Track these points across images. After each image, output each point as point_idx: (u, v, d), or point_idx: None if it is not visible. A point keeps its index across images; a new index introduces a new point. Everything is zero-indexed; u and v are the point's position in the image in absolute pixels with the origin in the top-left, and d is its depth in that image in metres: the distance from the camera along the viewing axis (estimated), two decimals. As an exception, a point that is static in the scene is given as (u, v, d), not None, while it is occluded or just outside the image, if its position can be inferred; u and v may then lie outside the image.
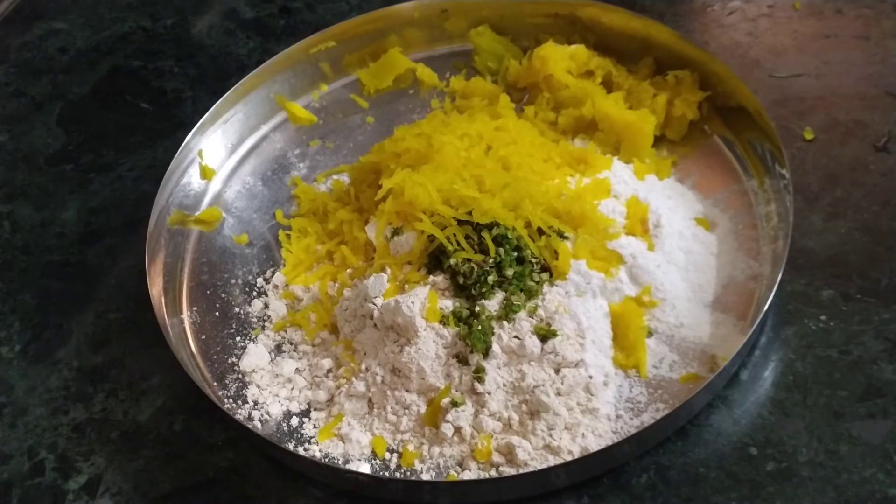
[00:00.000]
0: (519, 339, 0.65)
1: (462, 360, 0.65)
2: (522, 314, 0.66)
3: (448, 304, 0.67)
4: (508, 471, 0.62)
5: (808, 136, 0.76)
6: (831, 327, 0.66)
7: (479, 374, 0.64)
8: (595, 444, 0.62)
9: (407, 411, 0.65)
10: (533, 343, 0.65)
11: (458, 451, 0.63)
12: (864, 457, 0.60)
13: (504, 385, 0.64)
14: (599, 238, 0.70)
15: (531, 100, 0.82)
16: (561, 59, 0.81)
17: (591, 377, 0.64)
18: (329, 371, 0.69)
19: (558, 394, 0.64)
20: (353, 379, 0.67)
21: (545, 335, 0.65)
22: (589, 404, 0.64)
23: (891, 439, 0.61)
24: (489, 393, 0.64)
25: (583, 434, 0.63)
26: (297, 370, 0.69)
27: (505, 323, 0.65)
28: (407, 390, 0.65)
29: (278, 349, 0.71)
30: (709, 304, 0.68)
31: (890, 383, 0.63)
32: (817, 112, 0.78)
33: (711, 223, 0.72)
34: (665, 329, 0.67)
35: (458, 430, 0.63)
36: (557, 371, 0.65)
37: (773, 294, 0.64)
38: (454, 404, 0.64)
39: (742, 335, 0.64)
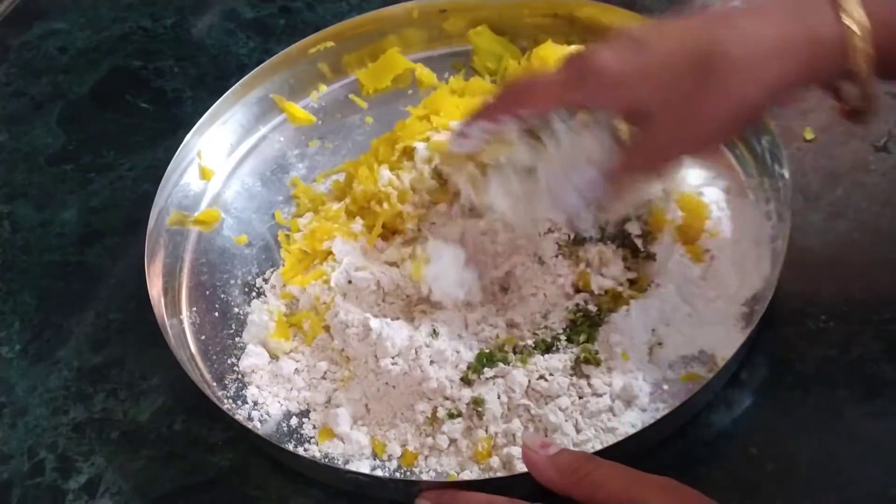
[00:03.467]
0: (546, 380, 0.63)
1: (466, 382, 0.64)
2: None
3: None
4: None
5: (808, 136, 0.76)
6: (831, 327, 0.66)
7: (478, 406, 0.63)
8: (595, 445, 0.62)
9: (403, 419, 0.65)
10: (561, 382, 0.63)
11: (455, 461, 0.63)
12: (864, 457, 0.60)
13: (512, 409, 0.63)
14: None
15: (530, 99, 0.82)
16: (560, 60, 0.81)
17: (613, 402, 0.63)
18: (326, 373, 0.69)
19: (576, 423, 0.62)
20: (350, 383, 0.67)
21: (587, 360, 0.64)
22: (608, 424, 0.62)
23: (891, 439, 0.61)
24: (494, 416, 0.63)
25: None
26: (297, 371, 0.69)
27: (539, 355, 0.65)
28: (402, 401, 0.65)
29: (271, 356, 0.70)
30: (709, 303, 0.68)
31: (890, 383, 0.63)
32: (817, 112, 0.77)
33: (711, 223, 0.72)
34: (665, 328, 0.67)
35: (453, 441, 0.63)
36: (581, 397, 0.63)
37: (772, 294, 0.64)
38: (451, 416, 0.63)
39: (742, 335, 0.64)
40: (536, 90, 0.63)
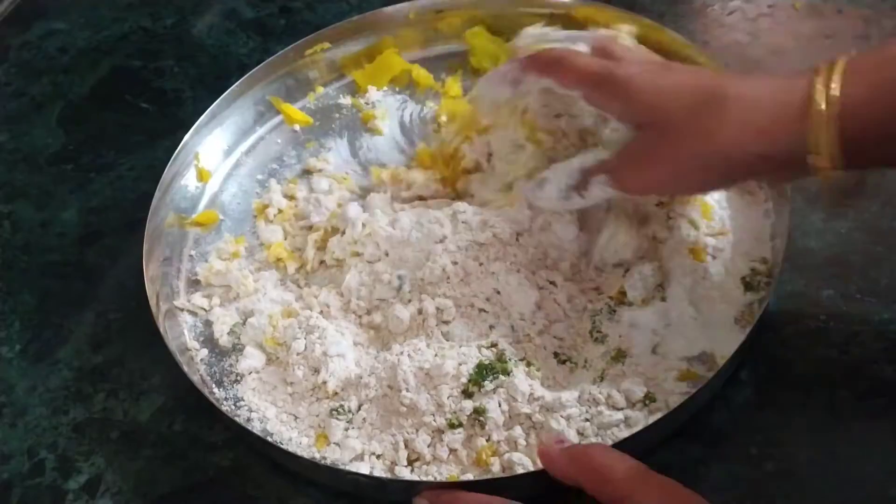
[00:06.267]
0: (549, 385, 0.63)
1: (467, 394, 0.64)
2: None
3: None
4: (508, 473, 0.62)
5: (809, 135, 0.76)
6: (831, 327, 0.66)
7: (479, 415, 0.62)
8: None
9: (401, 430, 0.64)
10: (572, 397, 0.63)
11: (457, 469, 0.62)
12: (864, 457, 0.60)
13: (513, 416, 0.63)
14: None
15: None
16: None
17: (615, 403, 0.63)
18: (315, 389, 0.67)
19: (578, 425, 0.62)
20: (341, 401, 0.66)
21: (616, 357, 0.64)
22: (619, 434, 0.62)
23: (891, 439, 0.61)
24: (496, 424, 0.62)
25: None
26: (284, 381, 0.68)
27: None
28: (398, 414, 0.64)
29: (270, 358, 0.70)
30: (710, 303, 0.68)
31: (890, 383, 0.63)
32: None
33: (711, 223, 0.72)
34: (666, 329, 0.67)
35: (453, 451, 0.63)
36: (583, 398, 0.63)
37: (772, 294, 0.64)
38: (451, 426, 0.63)
39: (742, 334, 0.64)
40: (565, 65, 0.66)
